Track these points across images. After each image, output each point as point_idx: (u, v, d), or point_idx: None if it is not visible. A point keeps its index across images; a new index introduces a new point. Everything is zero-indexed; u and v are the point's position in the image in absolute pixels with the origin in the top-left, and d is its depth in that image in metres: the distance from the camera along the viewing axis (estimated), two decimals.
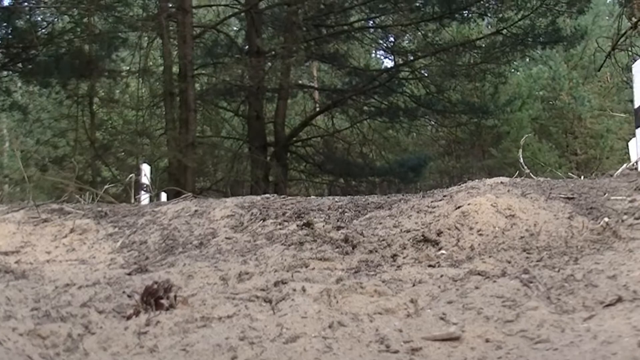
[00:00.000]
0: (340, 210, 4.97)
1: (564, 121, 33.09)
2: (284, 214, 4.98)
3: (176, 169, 14.74)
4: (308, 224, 4.53)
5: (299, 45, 16.87)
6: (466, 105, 20.01)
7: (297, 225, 4.60)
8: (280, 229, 4.68)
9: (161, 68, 16.44)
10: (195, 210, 5.35)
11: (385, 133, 23.22)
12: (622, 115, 33.17)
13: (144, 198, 8.58)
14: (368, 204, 5.07)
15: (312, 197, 6.47)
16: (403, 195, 5.59)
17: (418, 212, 4.53)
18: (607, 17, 32.73)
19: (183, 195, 6.56)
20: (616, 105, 33.53)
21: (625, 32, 14.99)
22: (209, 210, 5.28)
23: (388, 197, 5.34)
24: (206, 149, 17.98)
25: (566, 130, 33.44)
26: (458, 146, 29.88)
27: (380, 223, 4.49)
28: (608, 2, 32.74)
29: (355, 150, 20.73)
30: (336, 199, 5.40)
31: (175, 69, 16.14)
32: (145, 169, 8.91)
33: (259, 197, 5.70)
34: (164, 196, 9.49)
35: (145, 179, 8.68)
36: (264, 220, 4.94)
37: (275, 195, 5.99)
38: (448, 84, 19.46)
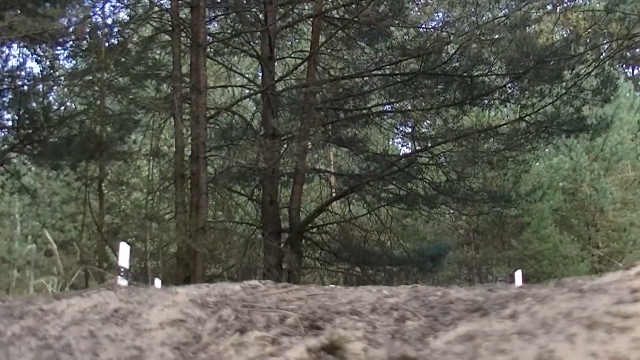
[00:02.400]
0: (395, 314, 2.61)
1: (586, 213, 32.48)
2: (282, 319, 2.68)
3: (185, 254, 14.12)
4: (333, 347, 2.32)
5: (317, 128, 16.47)
6: (488, 194, 19.39)
7: (310, 350, 2.37)
8: (273, 355, 2.44)
9: (173, 149, 15.96)
10: (116, 310, 3.01)
11: (404, 221, 22.64)
12: None
13: (122, 284, 6.85)
14: (450, 302, 2.70)
15: (336, 287, 3.79)
16: (504, 287, 3.21)
17: (589, 327, 2.07)
18: (626, 110, 32.46)
19: (106, 282, 4.93)
20: (638, 198, 33.00)
21: None
22: (142, 311, 2.95)
23: (487, 291, 2.95)
24: (217, 234, 17.34)
25: (588, 222, 32.79)
26: (477, 236, 29.27)
27: (502, 352, 2.08)
28: (628, 95, 32.43)
29: (372, 237, 20.05)
30: (385, 291, 3.07)
31: (187, 150, 15.68)
32: (124, 249, 7.35)
33: (237, 287, 3.37)
34: (158, 283, 8.74)
35: (124, 262, 7.20)
36: (241, 332, 2.59)
37: (268, 282, 3.78)
38: (469, 171, 18.87)
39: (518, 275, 7.05)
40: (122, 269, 7.27)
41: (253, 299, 3.08)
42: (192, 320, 2.80)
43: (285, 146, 17.22)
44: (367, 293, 3.11)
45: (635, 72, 44.51)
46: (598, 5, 16.61)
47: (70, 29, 16.66)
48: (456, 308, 2.54)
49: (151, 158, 16.41)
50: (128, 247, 6.93)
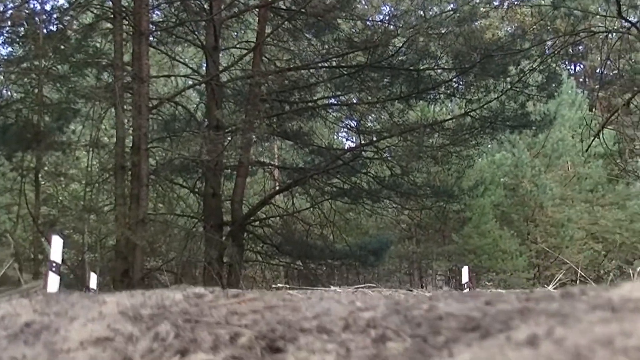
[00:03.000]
0: (373, 333, 1.97)
1: (526, 209, 32.93)
2: (233, 338, 2.02)
3: (124, 247, 13.73)
4: None
5: (261, 120, 16.21)
6: (431, 189, 19.40)
7: None
8: None
9: (113, 140, 15.54)
10: (28, 324, 2.23)
11: (347, 214, 22.54)
12: (583, 204, 33.17)
13: (52, 281, 6.69)
14: (439, 318, 2.03)
15: (297, 294, 3.15)
16: (500, 298, 2.19)
17: None
18: (568, 107, 32.88)
19: (29, 284, 4.21)
20: (577, 194, 33.54)
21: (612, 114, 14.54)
22: (60, 325, 2.20)
23: (485, 304, 2.11)
24: (158, 226, 16.99)
25: (527, 217, 33.25)
26: (419, 230, 29.37)
27: None
28: (570, 92, 32.86)
29: (315, 231, 19.90)
30: (358, 303, 2.36)
31: (128, 141, 15.28)
32: (56, 242, 6.91)
33: (178, 295, 2.57)
34: (93, 278, 8.47)
35: (56, 256, 6.73)
36: (182, 354, 1.94)
37: (216, 289, 2.63)
38: (413, 166, 18.83)
39: (465, 271, 6.94)
40: (54, 264, 6.98)
41: (198, 312, 2.36)
42: (122, 339, 2.07)
43: (229, 138, 16.93)
44: (336, 305, 2.22)
45: (577, 69, 45.23)
46: (544, 1, 16.63)
47: (7, 15, 16.17)
48: (448, 326, 1.98)
49: (90, 149, 15.94)
50: (61, 240, 6.50)
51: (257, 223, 19.00)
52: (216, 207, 17.29)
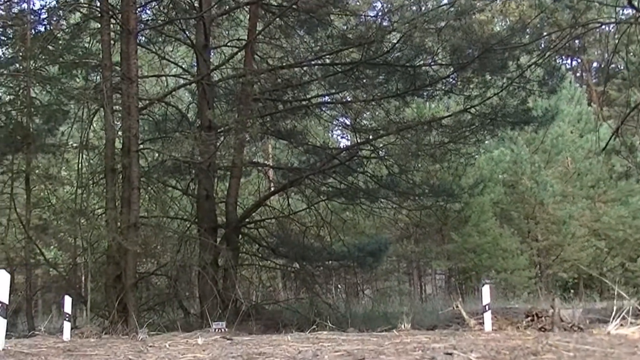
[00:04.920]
0: None
1: (526, 206, 32.78)
2: None
3: (116, 252, 13.41)
4: None
5: (254, 120, 15.86)
6: (430, 187, 19.05)
7: None
8: None
9: (104, 142, 15.21)
10: None
11: (343, 214, 22.21)
12: (584, 201, 32.91)
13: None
14: None
15: None
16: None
17: None
18: (566, 102, 32.64)
19: None
20: (578, 191, 33.30)
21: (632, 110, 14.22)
22: None
23: None
24: (150, 230, 16.63)
25: (527, 215, 33.08)
26: (417, 230, 29.11)
27: None
28: (568, 87, 32.60)
29: (311, 232, 19.54)
30: None
31: (119, 143, 14.95)
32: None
33: None
34: (67, 302, 8.33)
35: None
36: None
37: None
38: (411, 164, 18.49)
39: (486, 291, 6.60)
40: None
41: None
42: None
43: (221, 139, 16.59)
44: None
45: (574, 63, 45.00)
46: None
47: None
48: None
49: (80, 151, 15.60)
50: (7, 276, 5.97)
51: (252, 225, 18.65)
52: (210, 209, 16.96)
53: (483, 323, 8.16)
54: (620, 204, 32.93)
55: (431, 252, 31.32)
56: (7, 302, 5.65)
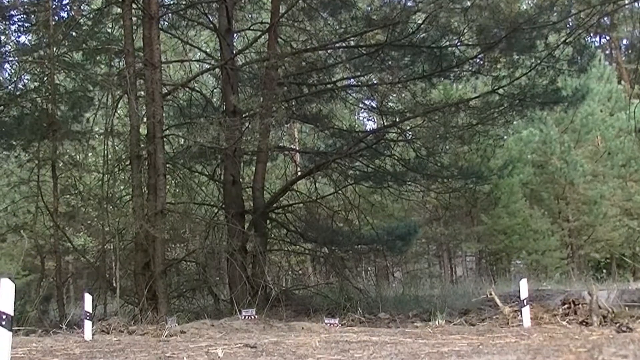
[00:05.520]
0: None
1: (556, 186, 32.42)
2: None
3: (144, 239, 13.35)
4: None
5: (279, 104, 15.70)
6: (458, 170, 18.80)
7: None
8: None
9: (128, 128, 15.15)
10: None
11: (371, 198, 22.02)
12: (615, 180, 32.47)
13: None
14: None
15: None
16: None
17: None
18: (596, 80, 32.14)
19: None
20: (609, 170, 32.86)
21: None
22: None
23: None
24: (178, 217, 16.56)
25: (558, 195, 32.72)
26: (446, 212, 28.86)
27: None
28: (598, 65, 32.05)
29: (339, 216, 19.37)
30: None
31: (143, 129, 14.87)
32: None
33: None
34: (88, 300, 8.24)
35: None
36: None
37: None
38: (439, 147, 18.24)
39: (524, 285, 6.41)
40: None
41: None
42: None
43: (246, 124, 16.45)
44: None
45: (603, 41, 44.26)
46: None
47: (18, 2, 15.87)
48: None
49: (106, 138, 15.54)
50: (12, 285, 5.55)
51: (279, 210, 18.52)
52: (237, 195, 16.86)
53: (519, 314, 7.97)
54: None
55: (461, 234, 31.08)
56: (11, 314, 5.33)
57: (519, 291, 7.95)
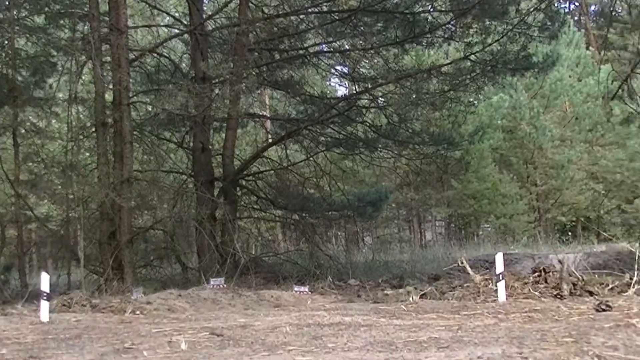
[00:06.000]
0: None
1: (525, 151, 32.60)
2: None
3: (110, 208, 13.04)
4: None
5: (250, 70, 15.40)
6: (430, 136, 18.69)
7: None
8: None
9: (93, 95, 14.75)
10: None
11: (342, 165, 21.87)
12: (582, 144, 32.74)
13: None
14: None
15: None
16: None
17: None
18: (565, 46, 32.16)
19: None
20: (576, 135, 33.10)
21: None
22: None
23: None
24: (145, 185, 16.27)
25: (526, 160, 32.94)
26: (417, 177, 28.86)
27: None
28: (567, 31, 32.02)
29: (310, 183, 19.21)
30: None
31: (109, 96, 14.50)
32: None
33: None
34: (45, 280, 7.97)
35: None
36: None
37: None
38: (411, 113, 18.08)
39: (499, 259, 6.30)
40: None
41: None
42: None
43: (216, 90, 16.14)
44: None
45: (572, 7, 44.28)
46: None
47: None
48: None
49: (69, 104, 15.13)
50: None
51: (250, 177, 18.31)
52: (206, 163, 16.62)
53: (490, 282, 7.89)
54: (618, 147, 32.81)
55: (431, 199, 31.12)
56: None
57: (492, 260, 7.84)
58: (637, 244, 16.76)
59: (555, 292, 6.68)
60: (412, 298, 6.71)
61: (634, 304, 5.79)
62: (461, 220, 34.79)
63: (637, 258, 7.51)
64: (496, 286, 6.45)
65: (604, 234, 34.68)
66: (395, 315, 5.76)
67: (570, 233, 31.55)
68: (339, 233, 26.12)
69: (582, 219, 35.16)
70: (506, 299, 6.33)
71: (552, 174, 32.41)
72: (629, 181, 33.30)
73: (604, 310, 5.40)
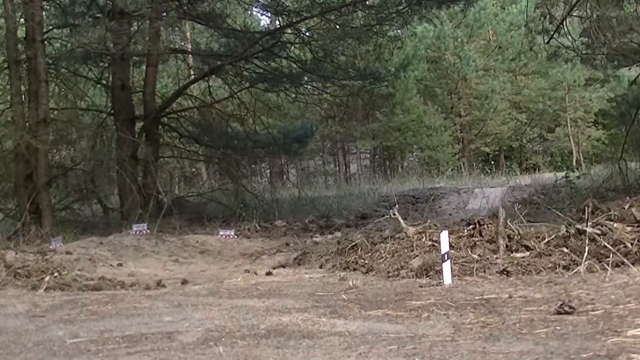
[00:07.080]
0: None
1: (449, 82, 32.75)
2: None
3: (25, 149, 12.51)
4: None
5: (169, 3, 14.77)
6: (356, 71, 18.40)
7: None
8: None
9: (3, 32, 14.00)
10: None
11: (267, 99, 21.46)
12: (506, 74, 33.03)
13: None
14: None
15: None
16: None
17: None
18: None
19: None
20: (499, 64, 33.34)
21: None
22: None
23: None
24: (62, 125, 15.62)
25: (451, 91, 33.15)
26: (342, 110, 28.69)
27: None
28: None
29: (235, 119, 18.77)
30: None
31: (21, 32, 13.76)
32: None
33: None
34: None
35: None
36: None
37: None
38: (336, 48, 17.73)
39: (444, 238, 6.07)
40: None
41: None
42: None
43: (135, 26, 15.48)
44: None
45: None
46: None
47: None
48: None
49: None
50: None
51: (172, 115, 17.76)
52: (126, 100, 16.10)
53: (424, 235, 7.74)
54: (540, 77, 33.21)
55: (356, 131, 31.06)
56: None
57: (418, 196, 7.69)
58: (561, 175, 17.00)
59: (501, 268, 6.46)
60: (352, 283, 6.43)
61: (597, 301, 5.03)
62: (386, 152, 34.93)
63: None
64: (441, 267, 6.21)
65: (528, 161, 35.54)
66: (336, 311, 5.22)
67: (493, 162, 32.00)
68: (264, 167, 25.86)
69: (505, 149, 35.73)
70: (452, 282, 6.10)
71: (476, 104, 32.67)
72: (551, 110, 33.92)
73: (567, 312, 4.65)
